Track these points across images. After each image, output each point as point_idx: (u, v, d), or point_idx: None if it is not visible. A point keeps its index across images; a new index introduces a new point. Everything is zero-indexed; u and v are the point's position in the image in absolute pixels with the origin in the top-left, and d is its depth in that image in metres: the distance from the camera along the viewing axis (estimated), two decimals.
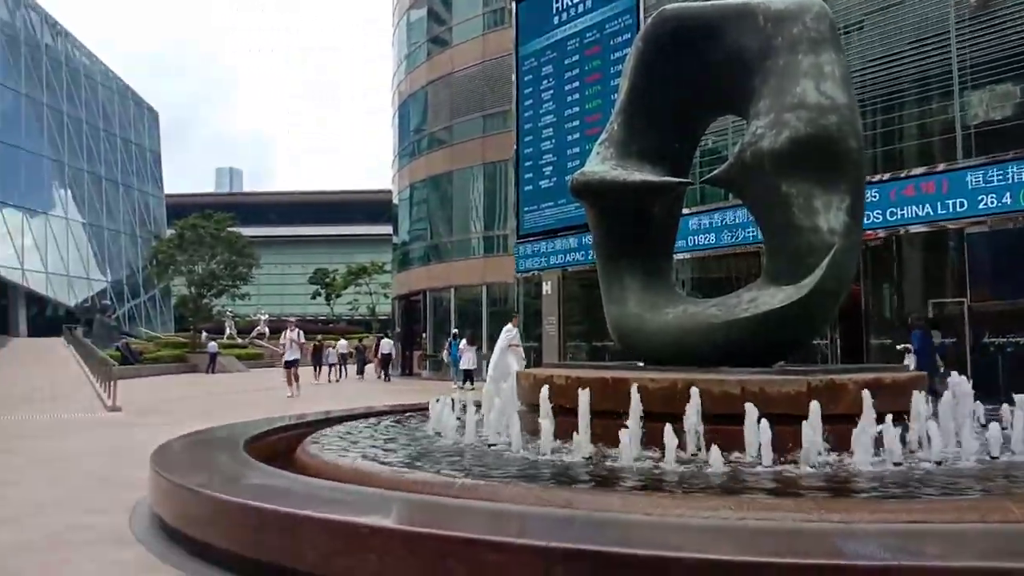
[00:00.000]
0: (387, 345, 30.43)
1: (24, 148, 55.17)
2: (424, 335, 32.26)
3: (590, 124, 20.11)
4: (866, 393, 5.02)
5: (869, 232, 13.26)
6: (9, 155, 53.37)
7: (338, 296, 69.80)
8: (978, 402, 6.18)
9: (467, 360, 21.85)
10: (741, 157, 6.12)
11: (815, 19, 6.10)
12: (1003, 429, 5.59)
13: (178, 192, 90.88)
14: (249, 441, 6.49)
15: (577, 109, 21.30)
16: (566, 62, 21.71)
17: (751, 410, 5.02)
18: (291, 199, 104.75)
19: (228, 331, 51.10)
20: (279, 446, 6.84)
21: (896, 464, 5.00)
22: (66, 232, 58.74)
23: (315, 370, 29.50)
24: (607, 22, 20.57)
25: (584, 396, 5.52)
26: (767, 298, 5.98)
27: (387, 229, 41.82)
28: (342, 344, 32.76)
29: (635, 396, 5.28)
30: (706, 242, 17.72)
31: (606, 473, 5.02)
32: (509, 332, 15.17)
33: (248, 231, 51.39)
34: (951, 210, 13.58)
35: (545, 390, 5.81)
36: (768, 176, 5.95)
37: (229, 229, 43.23)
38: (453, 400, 7.43)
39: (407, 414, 8.84)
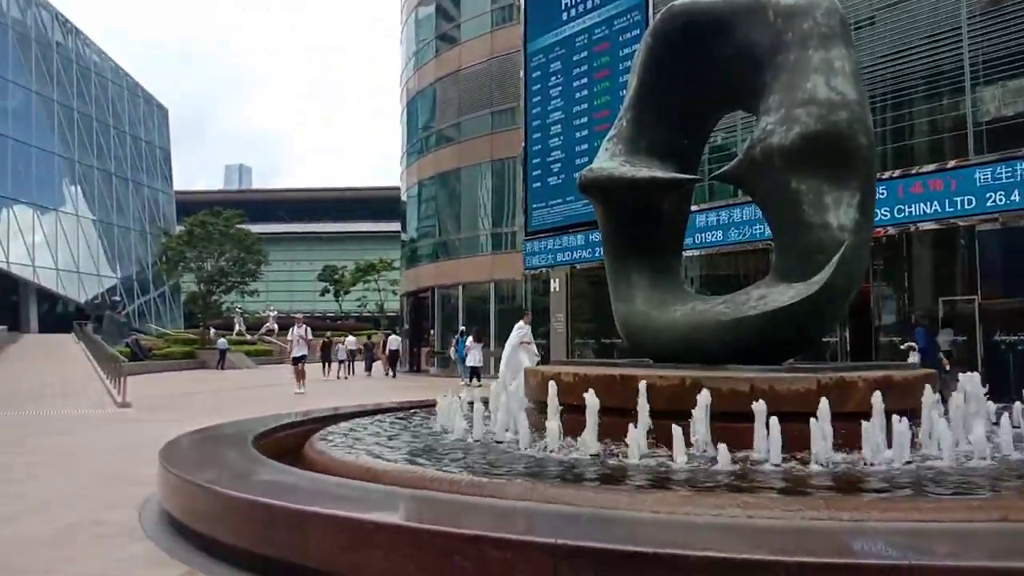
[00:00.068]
0: (394, 342, 30.51)
1: (35, 145, 55.47)
2: (432, 332, 32.31)
3: (599, 120, 20.07)
4: (876, 391, 4.98)
5: (879, 229, 13.19)
6: (20, 152, 53.68)
7: (347, 293, 69.93)
8: (989, 401, 6.14)
9: (473, 357, 21.88)
10: (751, 153, 6.08)
11: (826, 14, 6.05)
12: (1015, 428, 5.55)
13: (187, 189, 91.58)
14: (258, 437, 6.50)
15: (586, 105, 21.25)
16: (575, 58, 21.65)
17: (760, 407, 4.99)
18: (300, 196, 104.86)
19: (237, 327, 51.35)
20: (287, 442, 6.85)
21: (906, 462, 4.97)
22: (76, 229, 59.01)
23: (324, 367, 29.59)
24: (616, 18, 20.51)
25: (591, 393, 5.50)
26: (776, 295, 5.94)
27: (396, 226, 41.89)
28: (350, 341, 32.87)
29: (643, 393, 5.26)
30: (715, 239, 17.67)
31: (613, 471, 5.01)
32: (521, 329, 15.14)
33: (257, 228, 51.54)
34: (959, 207, 13.51)
35: (553, 387, 5.80)
36: (778, 172, 5.92)
37: (238, 226, 43.33)
38: (460, 397, 7.43)
39: (415, 411, 8.85)
